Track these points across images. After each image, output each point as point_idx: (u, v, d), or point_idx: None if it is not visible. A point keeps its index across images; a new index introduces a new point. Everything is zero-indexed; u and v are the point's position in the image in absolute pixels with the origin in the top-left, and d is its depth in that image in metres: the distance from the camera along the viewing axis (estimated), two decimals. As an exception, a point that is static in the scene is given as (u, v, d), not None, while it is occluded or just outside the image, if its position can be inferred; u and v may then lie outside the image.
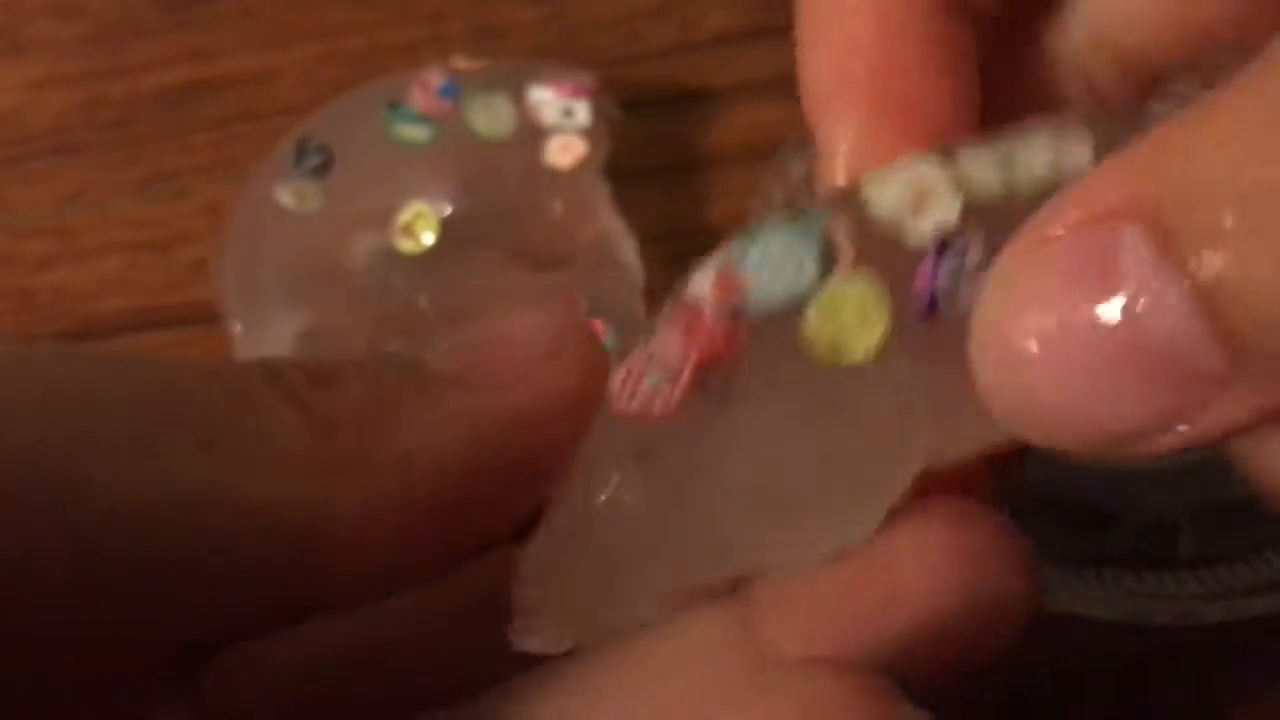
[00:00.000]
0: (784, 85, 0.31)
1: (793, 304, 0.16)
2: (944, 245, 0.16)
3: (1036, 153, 0.16)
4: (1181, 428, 0.15)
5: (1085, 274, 0.15)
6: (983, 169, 0.16)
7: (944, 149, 0.17)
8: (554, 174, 0.28)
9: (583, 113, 0.28)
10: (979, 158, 0.16)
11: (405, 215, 0.28)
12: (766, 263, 0.16)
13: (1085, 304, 0.15)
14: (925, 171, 0.16)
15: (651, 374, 0.17)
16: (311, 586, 0.17)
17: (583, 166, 0.28)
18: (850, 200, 0.17)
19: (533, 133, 0.28)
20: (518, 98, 0.29)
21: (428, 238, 0.27)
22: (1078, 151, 0.16)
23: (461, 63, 0.29)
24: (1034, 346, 0.15)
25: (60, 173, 0.31)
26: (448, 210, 0.28)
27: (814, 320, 0.16)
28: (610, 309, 0.27)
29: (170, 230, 0.31)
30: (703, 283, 0.17)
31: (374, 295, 0.27)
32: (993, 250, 0.16)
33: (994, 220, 0.16)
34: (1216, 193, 0.14)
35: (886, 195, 0.16)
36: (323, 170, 0.28)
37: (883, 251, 0.16)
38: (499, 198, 0.28)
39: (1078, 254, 0.15)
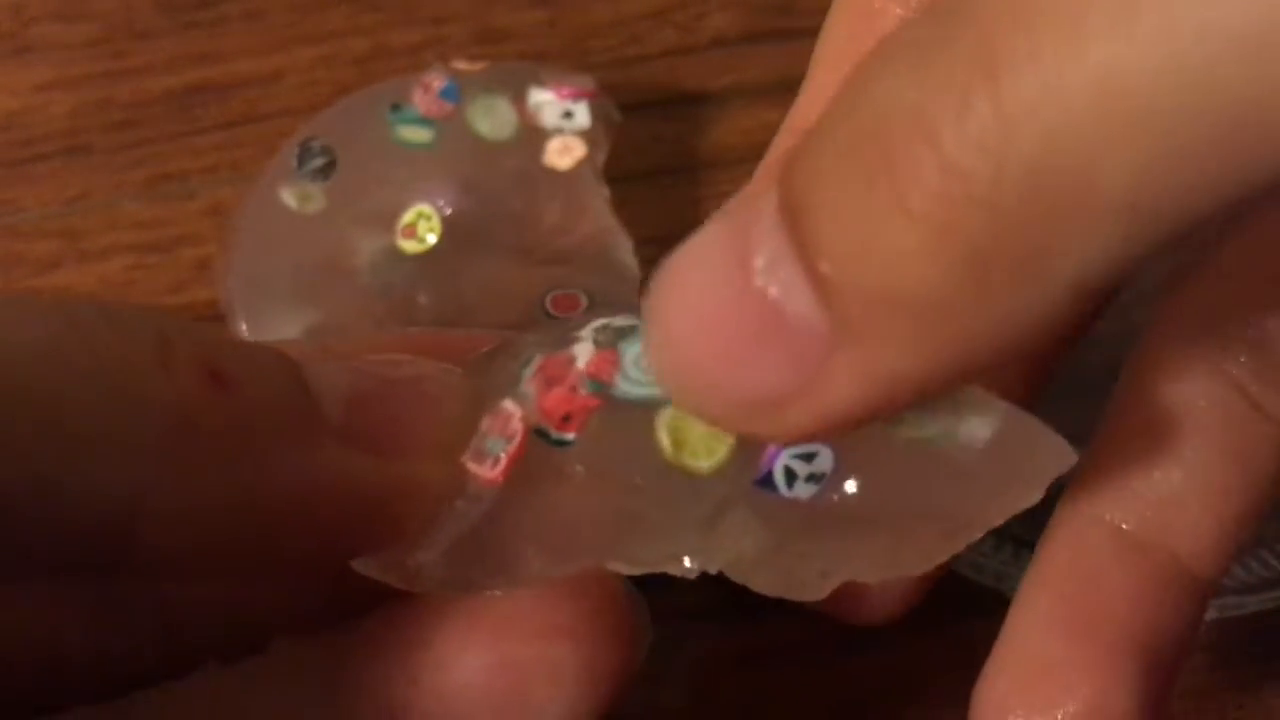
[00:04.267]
0: (781, 88, 0.32)
1: (658, 401, 0.18)
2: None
3: (938, 408, 0.18)
4: (810, 398, 0.16)
5: (727, 240, 0.16)
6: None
7: None
8: (553, 175, 0.28)
9: (582, 115, 0.29)
10: None
11: (408, 215, 0.28)
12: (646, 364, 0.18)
13: (723, 266, 0.16)
14: None
15: (496, 438, 0.18)
16: (112, 561, 0.17)
17: (581, 167, 0.28)
18: None
19: (533, 134, 0.28)
20: (518, 100, 0.29)
21: (430, 237, 0.28)
22: (977, 431, 0.18)
23: (463, 65, 0.29)
24: (683, 306, 0.16)
25: (66, 174, 0.32)
26: (449, 210, 0.28)
27: (669, 419, 0.18)
28: (607, 306, 0.27)
29: (176, 231, 0.31)
30: (584, 353, 0.18)
31: (377, 294, 0.27)
32: (840, 467, 0.18)
33: (858, 440, 0.17)
34: (821, 156, 0.15)
35: None
36: (326, 171, 0.28)
37: None
38: (499, 198, 0.28)
39: (730, 221, 0.16)
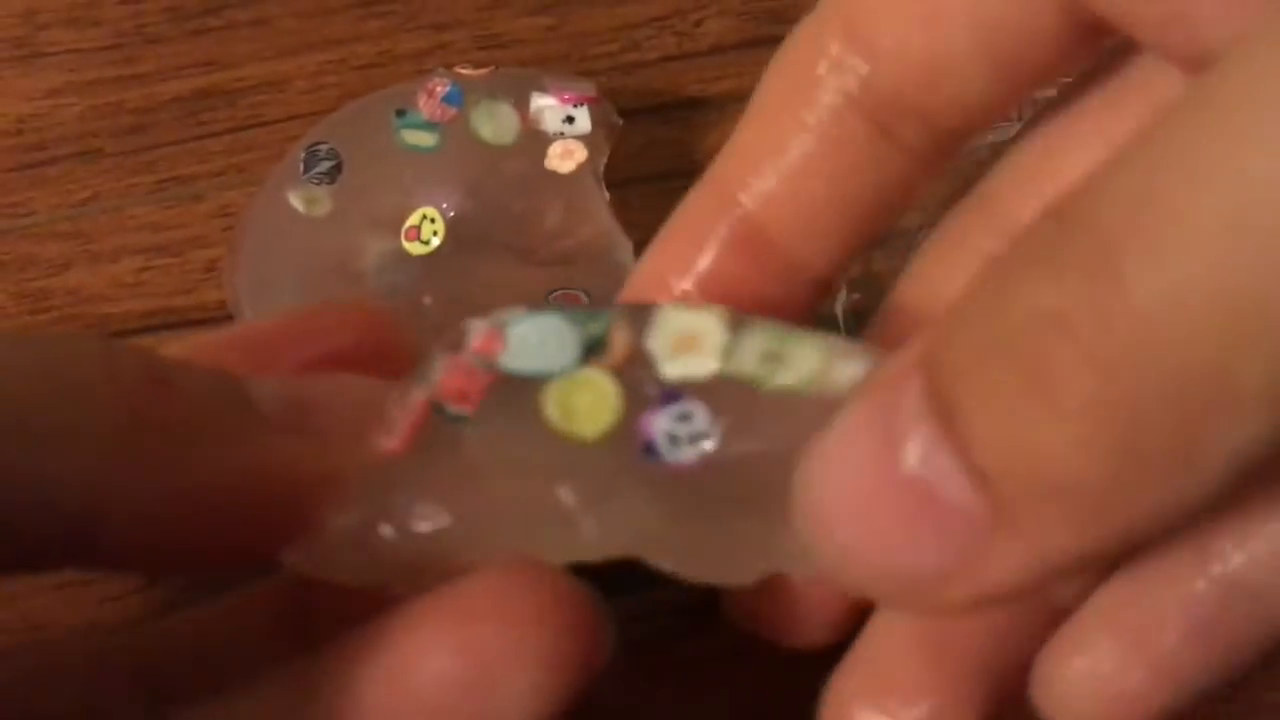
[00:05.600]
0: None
1: (544, 375, 0.19)
2: (670, 398, 0.18)
3: (806, 359, 0.19)
4: (969, 579, 0.16)
5: (875, 426, 0.16)
6: (752, 351, 0.19)
7: (742, 317, 0.19)
8: (555, 178, 0.29)
9: (583, 119, 0.29)
10: (756, 340, 0.19)
11: (412, 218, 0.28)
12: (530, 335, 0.19)
13: (873, 453, 0.16)
14: (708, 325, 0.19)
15: (400, 414, 0.19)
16: (82, 552, 0.18)
17: (582, 171, 0.29)
18: (641, 316, 0.19)
19: (535, 138, 0.29)
20: (521, 105, 0.29)
21: (434, 239, 0.28)
22: (846, 371, 0.18)
23: (466, 71, 0.30)
24: (835, 492, 0.17)
25: (77, 177, 0.32)
26: (453, 213, 0.28)
27: (554, 391, 0.19)
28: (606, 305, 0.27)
29: (184, 234, 0.31)
30: (472, 335, 0.19)
31: (383, 295, 0.28)
32: (717, 424, 0.18)
33: (736, 398, 0.18)
34: (967, 352, 0.16)
35: (664, 328, 0.19)
36: (332, 175, 0.29)
37: (640, 371, 0.19)
38: (502, 200, 0.28)
39: (874, 407, 0.17)
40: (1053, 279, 0.15)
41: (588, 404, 0.19)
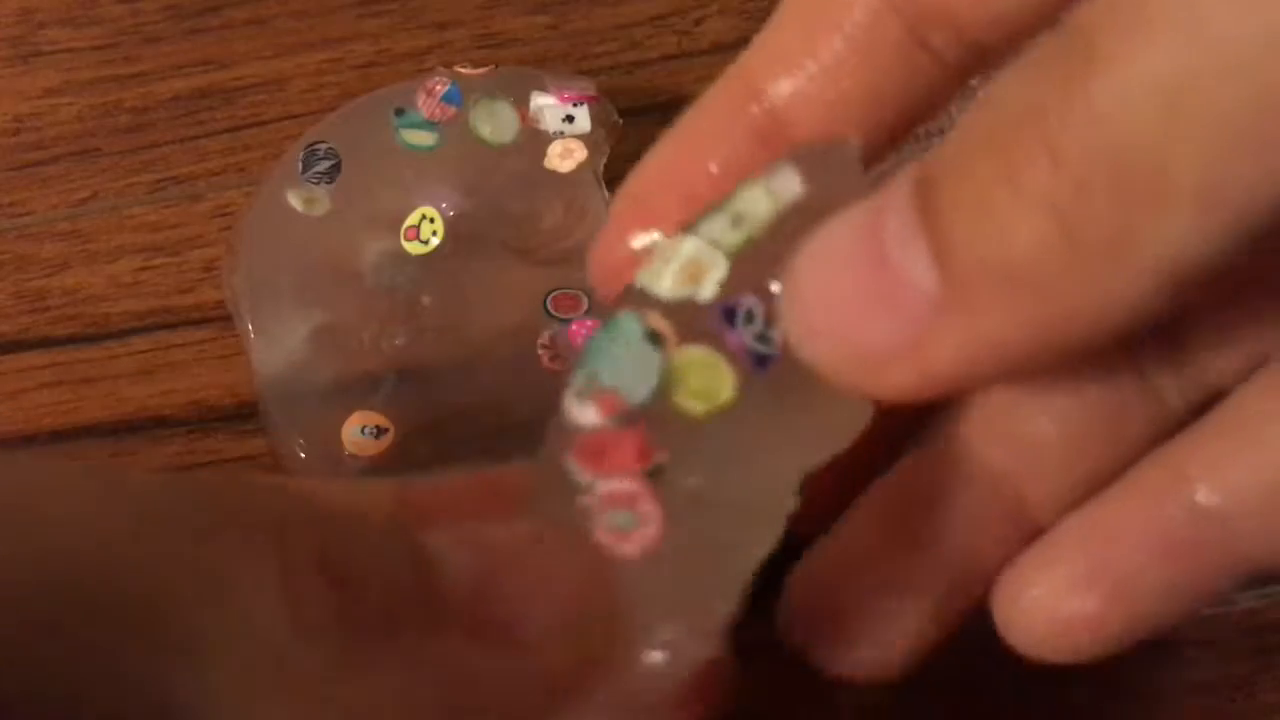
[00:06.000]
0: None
1: (658, 391, 0.19)
2: (730, 312, 0.19)
3: (757, 200, 0.20)
4: (914, 359, 0.17)
5: (861, 219, 0.18)
6: (723, 229, 0.20)
7: (689, 223, 0.20)
8: (554, 177, 0.29)
9: (583, 118, 0.29)
10: (717, 221, 0.20)
11: (411, 217, 0.28)
12: (619, 367, 0.19)
13: (852, 239, 0.18)
14: (685, 248, 0.20)
15: (614, 515, 0.19)
16: None
17: (582, 170, 0.29)
18: (637, 296, 0.20)
19: (534, 138, 0.29)
20: (520, 104, 0.29)
21: (433, 239, 0.28)
22: (787, 184, 0.20)
23: (466, 70, 0.30)
24: (812, 273, 0.18)
25: (75, 177, 0.32)
26: (452, 212, 0.28)
27: (679, 393, 0.19)
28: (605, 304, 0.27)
29: (183, 233, 0.31)
30: (586, 415, 0.19)
31: (382, 294, 0.28)
32: (754, 286, 0.19)
33: (755, 265, 0.19)
34: (955, 149, 0.17)
35: (665, 281, 0.20)
36: (331, 174, 0.29)
37: (692, 322, 0.19)
38: (501, 200, 0.28)
39: (867, 206, 0.18)
40: (1038, 77, 0.16)
41: (707, 378, 0.19)
